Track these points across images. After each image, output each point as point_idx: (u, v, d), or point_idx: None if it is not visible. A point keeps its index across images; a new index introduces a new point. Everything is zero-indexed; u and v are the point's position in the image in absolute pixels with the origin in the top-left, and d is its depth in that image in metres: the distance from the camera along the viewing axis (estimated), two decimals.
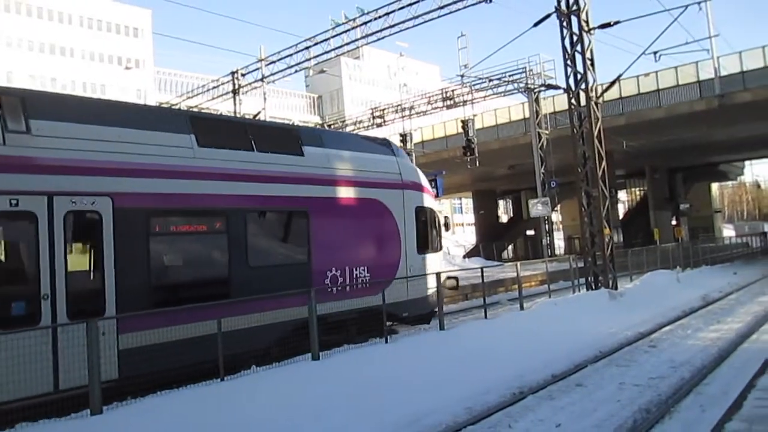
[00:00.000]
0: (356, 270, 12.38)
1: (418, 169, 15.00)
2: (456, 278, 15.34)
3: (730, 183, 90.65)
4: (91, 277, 8.75)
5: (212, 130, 10.82)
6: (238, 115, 34.12)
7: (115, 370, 8.40)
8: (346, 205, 12.46)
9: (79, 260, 8.72)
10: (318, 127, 41.91)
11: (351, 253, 12.38)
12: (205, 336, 8.75)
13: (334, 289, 11.75)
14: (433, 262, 14.51)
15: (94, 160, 8.75)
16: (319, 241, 11.69)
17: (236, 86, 35.45)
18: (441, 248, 15.39)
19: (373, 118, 40.51)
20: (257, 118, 34.62)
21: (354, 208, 12.62)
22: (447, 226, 15.59)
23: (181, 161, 9.79)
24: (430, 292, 13.72)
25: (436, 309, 13.62)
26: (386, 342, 10.99)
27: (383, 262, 13.02)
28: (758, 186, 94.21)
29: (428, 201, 14.62)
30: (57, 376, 7.91)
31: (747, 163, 66.73)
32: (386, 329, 11.35)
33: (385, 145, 14.57)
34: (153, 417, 7.03)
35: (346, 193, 12.47)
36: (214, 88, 37.46)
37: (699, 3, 18.01)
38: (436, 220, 14.82)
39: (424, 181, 14.83)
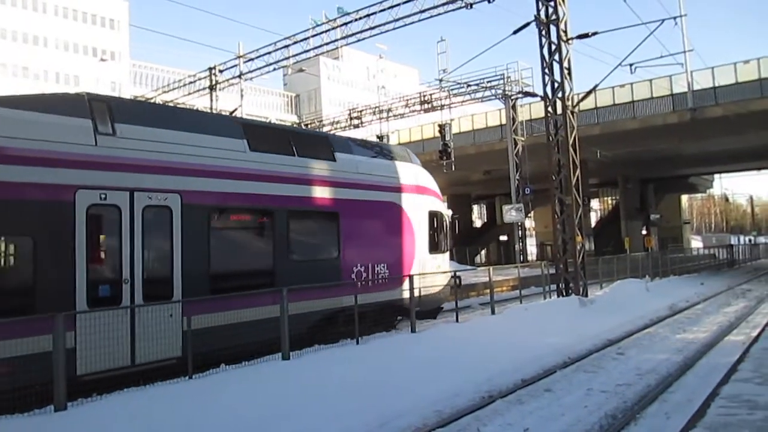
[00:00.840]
0: (377, 267, 13.54)
1: (430, 176, 15.94)
2: (459, 277, 16.15)
3: (699, 195, 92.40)
4: (163, 265, 9.75)
5: (261, 135, 11.96)
6: (213, 111, 33.92)
7: (179, 348, 9.27)
8: (370, 207, 13.60)
9: (153, 249, 9.66)
10: (295, 126, 41.75)
11: (373, 252, 13.53)
12: (254, 320, 9.99)
13: (359, 283, 12.63)
14: (442, 262, 15.68)
15: (167, 161, 9.83)
16: (347, 240, 12.85)
17: (213, 82, 35.17)
18: (448, 249, 16.34)
19: (351, 119, 40.47)
20: (233, 115, 34.41)
21: (377, 210, 13.81)
22: (455, 229, 16.65)
23: (236, 164, 10.87)
24: (439, 289, 14.90)
25: (443, 305, 15.31)
26: (357, 343, 11.00)
27: (400, 260, 14.16)
28: (726, 199, 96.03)
29: (439, 205, 15.84)
30: (133, 352, 8.87)
31: (716, 176, 67.98)
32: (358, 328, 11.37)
33: (403, 152, 15.79)
34: (118, 414, 6.93)
35: (370, 196, 13.62)
36: (191, 83, 37.15)
37: (675, 18, 18.36)
38: (445, 223, 15.95)
39: (436, 187, 15.97)
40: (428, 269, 14.65)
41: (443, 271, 15.32)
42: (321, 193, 12.45)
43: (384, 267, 13.69)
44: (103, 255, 9.24)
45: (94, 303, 8.62)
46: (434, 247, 15.30)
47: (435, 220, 15.44)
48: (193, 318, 8.97)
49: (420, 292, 13.49)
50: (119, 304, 8.95)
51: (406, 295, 13.11)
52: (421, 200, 15.05)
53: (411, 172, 15.08)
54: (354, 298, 11.17)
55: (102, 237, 9.22)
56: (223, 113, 33.79)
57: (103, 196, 8.94)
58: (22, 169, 8.18)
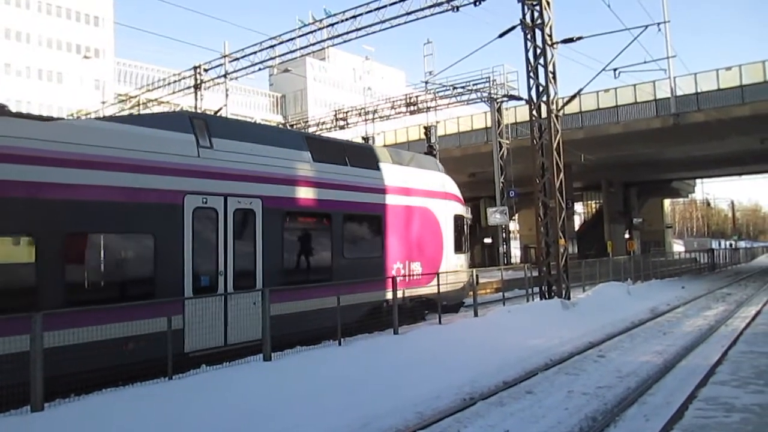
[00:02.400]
0: (412, 264, 15.15)
1: (454, 182, 17.60)
2: (477, 276, 17.69)
3: (681, 200, 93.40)
4: (248, 260, 11.25)
5: (321, 147, 13.55)
6: (198, 110, 33.71)
7: (260, 331, 10.32)
8: (407, 212, 15.25)
9: (241, 246, 11.16)
10: (280, 125, 41.63)
11: (409, 251, 15.15)
12: (317, 309, 11.65)
13: (398, 278, 13.60)
14: (464, 261, 17.56)
15: (251, 170, 11.42)
16: (389, 240, 14.53)
17: (198, 81, 34.96)
18: (468, 250, 18.17)
19: (336, 120, 40.43)
20: (218, 114, 34.29)
21: (412, 214, 15.43)
22: (475, 231, 18.70)
23: (303, 173, 12.55)
24: (461, 285, 16.57)
25: (464, 301, 16.94)
26: (339, 344, 10.96)
27: (431, 259, 15.78)
28: (708, 204, 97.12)
29: (461, 210, 17.50)
30: (226, 333, 10.41)
31: (698, 181, 68.81)
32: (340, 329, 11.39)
33: (432, 161, 17.68)
34: (96, 415, 6.84)
35: (407, 201, 15.28)
36: (175, 82, 36.89)
37: (658, 24, 18.53)
38: (467, 226, 17.68)
39: (459, 193, 17.67)
40: (452, 267, 16.23)
41: (464, 270, 17.08)
42: (368, 198, 14.12)
43: (418, 265, 15.30)
44: (204, 250, 10.56)
45: (197, 291, 10.19)
46: (458, 248, 16.98)
47: (459, 223, 17.11)
48: (272, 306, 10.20)
49: (446, 288, 14.85)
50: (216, 292, 10.50)
51: (437, 290, 14.47)
52: (448, 205, 16.77)
53: (439, 180, 16.83)
54: (336, 299, 11.26)
55: (203, 235, 10.58)
56: (208, 113, 33.69)
57: (204, 200, 10.52)
58: (145, 177, 9.69)
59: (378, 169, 14.63)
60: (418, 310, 14.70)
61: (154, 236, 9.82)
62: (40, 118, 9.48)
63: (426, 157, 18.07)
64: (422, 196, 15.84)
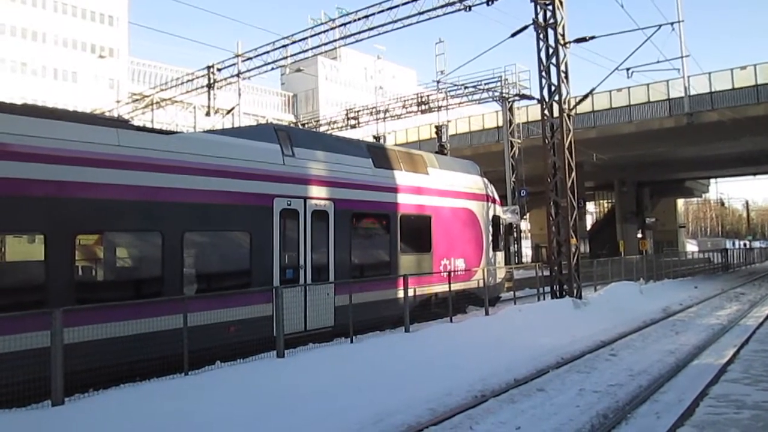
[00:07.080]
0: (457, 261, 16.36)
1: (491, 185, 18.82)
2: (511, 272, 19.80)
3: (695, 199, 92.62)
4: (323, 255, 12.60)
5: (381, 155, 14.92)
6: (211, 109, 34.03)
7: (332, 319, 12.22)
8: (453, 213, 16.51)
9: (316, 243, 12.47)
10: (291, 125, 41.78)
11: (455, 248, 16.39)
12: (379, 301, 13.20)
13: (444, 273, 15.11)
14: (501, 258, 19.20)
15: (325, 176, 12.81)
16: (437, 238, 15.75)
17: (211, 81, 35.11)
18: (503, 249, 19.81)
19: (348, 119, 40.44)
20: (232, 113, 34.60)
21: (457, 214, 16.69)
22: (512, 232, 19.94)
23: (366, 178, 13.90)
24: (498, 280, 18.19)
25: (500, 295, 18.26)
26: (351, 342, 11.07)
27: (472, 256, 17.10)
28: (722, 204, 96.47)
29: (499, 211, 18.92)
30: (306, 320, 11.66)
31: (712, 180, 68.30)
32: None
33: (473, 166, 18.75)
34: (115, 409, 6.97)
35: (452, 203, 16.55)
36: (188, 81, 37.04)
37: (672, 24, 18.46)
38: (502, 226, 19.16)
39: (496, 195, 19.09)
40: (490, 264, 17.61)
41: (501, 267, 18.87)
42: (420, 200, 15.37)
43: (462, 261, 16.52)
44: (289, 247, 11.88)
45: (283, 282, 11.43)
46: (495, 246, 18.34)
47: (496, 223, 18.39)
48: (341, 296, 11.76)
49: (484, 282, 15.92)
50: (298, 284, 11.83)
51: (477, 285, 15.92)
52: (488, 206, 18.05)
53: (480, 183, 18.04)
54: (348, 297, 11.47)
55: (288, 233, 11.85)
56: (221, 112, 34.00)
57: (288, 203, 11.85)
58: (244, 182, 11.07)
59: (427, 173, 15.85)
60: (461, 302, 15.59)
61: (250, 234, 11.27)
62: (161, 131, 11.18)
63: (467, 162, 19.17)
64: (465, 198, 17.06)
